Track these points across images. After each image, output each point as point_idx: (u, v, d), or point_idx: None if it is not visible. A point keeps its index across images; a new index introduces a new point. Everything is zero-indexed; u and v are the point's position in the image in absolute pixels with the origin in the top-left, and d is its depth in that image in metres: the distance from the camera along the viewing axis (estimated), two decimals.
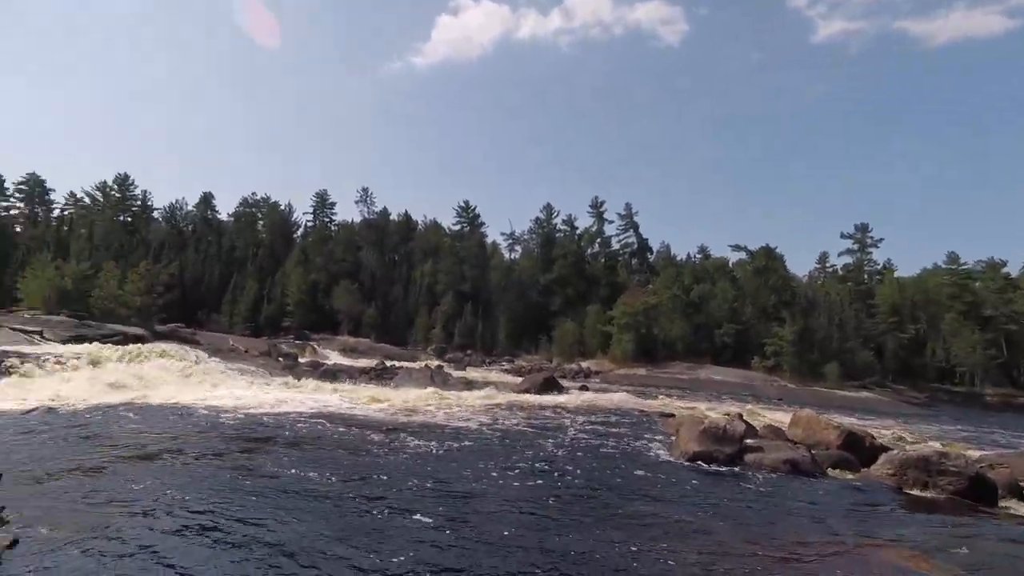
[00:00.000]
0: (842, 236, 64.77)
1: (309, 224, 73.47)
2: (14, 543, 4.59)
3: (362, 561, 4.90)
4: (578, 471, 9.04)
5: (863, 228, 63.83)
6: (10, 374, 14.27)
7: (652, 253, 72.90)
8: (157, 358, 19.11)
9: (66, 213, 63.20)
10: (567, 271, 65.37)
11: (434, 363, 37.97)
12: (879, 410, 31.96)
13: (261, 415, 12.62)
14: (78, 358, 17.41)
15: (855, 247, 64.41)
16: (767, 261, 55.83)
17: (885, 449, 12.16)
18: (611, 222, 70.48)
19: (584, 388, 25.51)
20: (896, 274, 62.27)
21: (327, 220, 74.04)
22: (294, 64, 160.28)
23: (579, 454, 10.57)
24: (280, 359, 31.96)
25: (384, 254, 70.03)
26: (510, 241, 76.37)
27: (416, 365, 34.83)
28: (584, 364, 47.72)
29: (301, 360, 33.51)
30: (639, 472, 9.49)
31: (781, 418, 17.55)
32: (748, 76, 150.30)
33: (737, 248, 62.06)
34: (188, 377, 17.57)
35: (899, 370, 51.75)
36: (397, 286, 65.32)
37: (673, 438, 12.65)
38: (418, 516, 6.20)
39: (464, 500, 6.96)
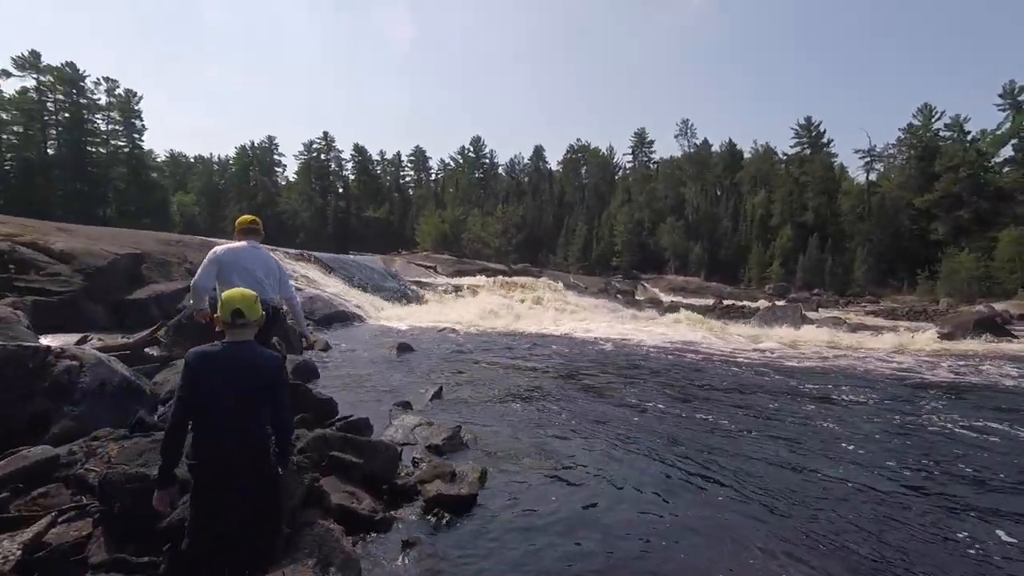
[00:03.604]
0: None
1: (629, 164, 73.30)
2: (483, 474, 3.86)
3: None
4: None
5: None
6: (422, 301, 16.61)
7: None
8: (523, 291, 20.41)
9: (439, 175, 77.02)
10: (958, 187, 49.65)
11: (780, 302, 33.43)
12: None
13: (646, 347, 11.68)
14: (465, 289, 19.67)
15: None
16: None
17: None
18: None
19: None
20: None
21: (646, 159, 72.61)
22: (606, 8, 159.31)
23: None
24: (618, 296, 32.11)
25: (707, 188, 65.15)
26: (867, 159, 61.93)
27: (763, 304, 31.13)
28: (999, 307, 35.53)
29: (638, 298, 33.19)
30: None
31: None
32: None
33: None
34: (553, 308, 18.12)
35: None
36: (724, 221, 60.26)
37: None
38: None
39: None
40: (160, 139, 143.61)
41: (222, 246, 3.88)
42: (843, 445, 5.26)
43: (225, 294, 2.37)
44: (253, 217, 4.19)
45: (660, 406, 6.51)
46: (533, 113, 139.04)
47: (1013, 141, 51.38)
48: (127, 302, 9.89)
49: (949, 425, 6.15)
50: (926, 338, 14.87)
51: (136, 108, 55.61)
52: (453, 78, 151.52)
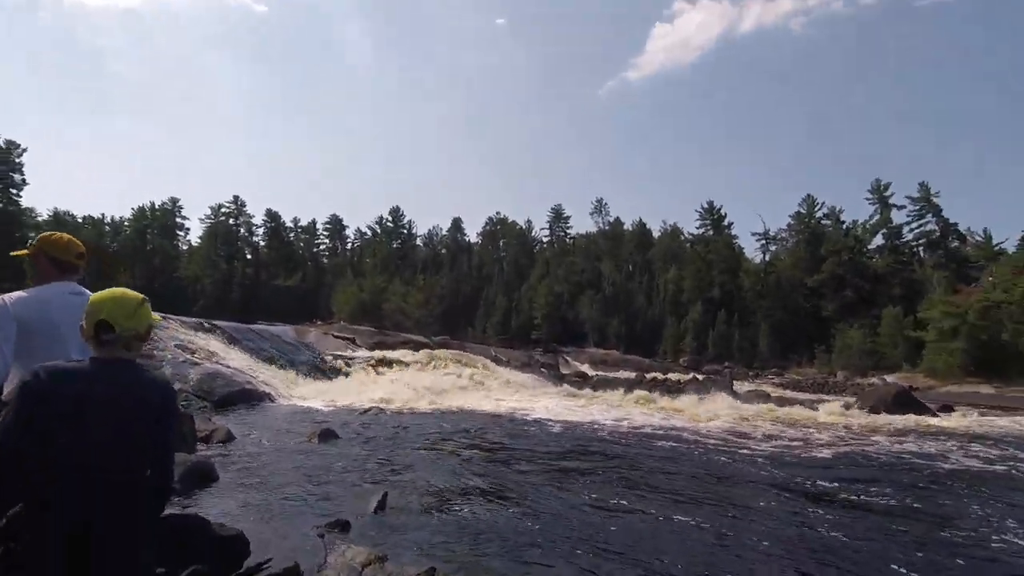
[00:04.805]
0: None
1: (546, 239, 75.21)
2: None
3: None
4: None
5: None
6: (343, 375, 14.86)
7: (963, 241, 57.39)
8: (451, 365, 19.11)
9: (356, 244, 74.89)
10: (841, 270, 55.16)
11: (700, 376, 34.37)
12: None
13: (597, 428, 10.64)
14: (387, 364, 18.06)
15: None
16: None
17: None
18: (900, 207, 57.44)
19: (948, 408, 18.91)
20: None
21: (563, 234, 74.94)
22: (529, 97, 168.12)
23: None
24: (543, 369, 31.35)
25: (621, 264, 67.95)
26: (763, 241, 67.59)
27: (683, 377, 31.69)
28: (889, 379, 38.30)
29: (564, 372, 32.62)
30: None
31: None
32: None
33: None
34: (484, 384, 16.92)
35: None
36: (639, 296, 62.59)
37: None
38: None
39: None
40: (49, 197, 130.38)
41: (14, 294, 2.19)
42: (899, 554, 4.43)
43: (92, 298, 1.69)
44: (70, 239, 2.41)
45: (641, 504, 5.46)
46: (452, 185, 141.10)
47: (883, 231, 58.21)
48: None
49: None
50: (859, 413, 15.13)
51: (16, 161, 50.18)
52: (373, 149, 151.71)
